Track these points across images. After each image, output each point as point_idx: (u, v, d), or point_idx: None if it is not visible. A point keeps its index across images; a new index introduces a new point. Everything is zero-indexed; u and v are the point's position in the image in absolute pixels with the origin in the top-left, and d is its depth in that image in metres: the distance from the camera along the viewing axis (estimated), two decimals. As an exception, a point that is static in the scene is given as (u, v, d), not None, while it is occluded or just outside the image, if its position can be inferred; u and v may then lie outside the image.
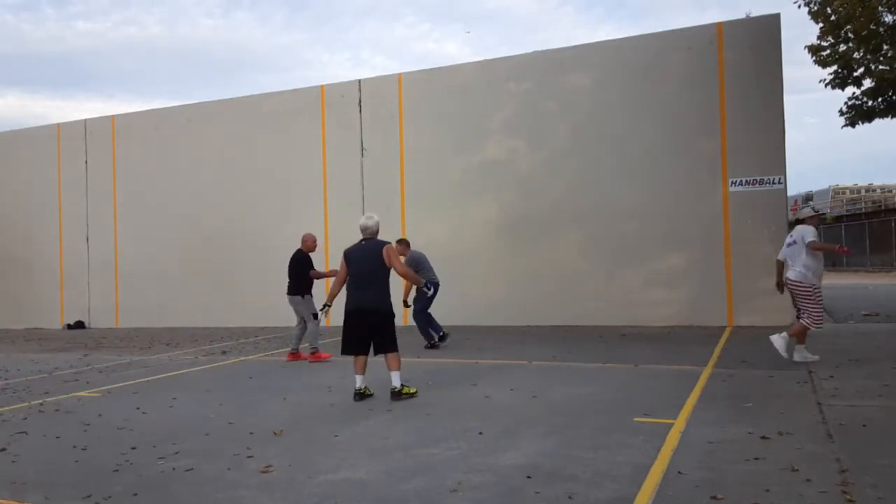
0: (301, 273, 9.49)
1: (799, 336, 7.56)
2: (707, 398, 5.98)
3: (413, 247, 10.29)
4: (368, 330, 6.36)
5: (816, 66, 12.72)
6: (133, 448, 4.99)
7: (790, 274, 7.54)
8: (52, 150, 17.65)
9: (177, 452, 4.84)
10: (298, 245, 9.86)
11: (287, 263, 9.73)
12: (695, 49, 12.14)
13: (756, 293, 11.62)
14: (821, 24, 12.19)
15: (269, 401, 6.62)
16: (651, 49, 12.48)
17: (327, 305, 6.95)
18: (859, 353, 8.08)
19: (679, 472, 3.99)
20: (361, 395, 6.41)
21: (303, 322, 9.57)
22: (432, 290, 9.47)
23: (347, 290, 6.50)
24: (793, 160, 52.51)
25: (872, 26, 11.48)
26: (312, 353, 9.25)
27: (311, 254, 9.77)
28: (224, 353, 10.73)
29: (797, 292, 7.53)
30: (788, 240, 7.76)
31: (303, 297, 9.47)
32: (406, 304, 10.11)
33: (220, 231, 15.81)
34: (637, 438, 4.75)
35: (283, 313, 15.26)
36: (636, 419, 5.30)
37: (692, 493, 3.65)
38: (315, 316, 9.39)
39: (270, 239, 15.06)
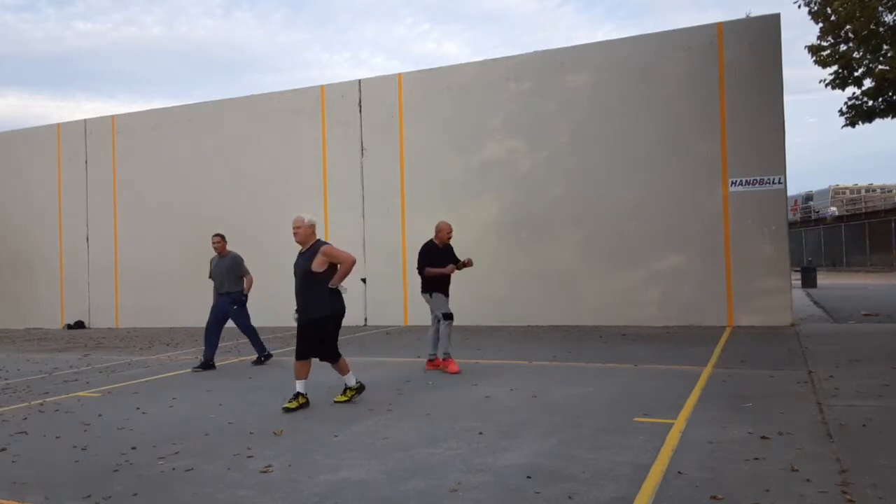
0: (420, 267, 8.23)
1: None
2: (707, 398, 5.98)
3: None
4: None
5: (816, 66, 12.72)
6: (133, 448, 4.99)
7: None
8: (52, 150, 17.64)
9: (177, 452, 4.84)
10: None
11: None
12: (695, 49, 12.14)
13: (756, 293, 11.63)
14: (821, 24, 12.19)
15: (269, 401, 6.62)
16: (651, 49, 12.48)
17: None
18: (859, 353, 8.08)
19: (679, 472, 3.99)
20: (362, 389, 6.45)
21: (437, 322, 8.15)
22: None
23: (332, 291, 6.28)
24: (793, 160, 52.47)
25: (872, 26, 11.48)
26: (443, 359, 7.93)
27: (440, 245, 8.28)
28: (224, 353, 10.73)
29: None
30: None
31: (430, 294, 8.18)
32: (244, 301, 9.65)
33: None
34: (637, 438, 4.75)
35: (283, 313, 15.29)
36: (636, 419, 5.30)
37: (692, 493, 3.65)
38: (447, 316, 8.06)
39: (270, 239, 15.05)
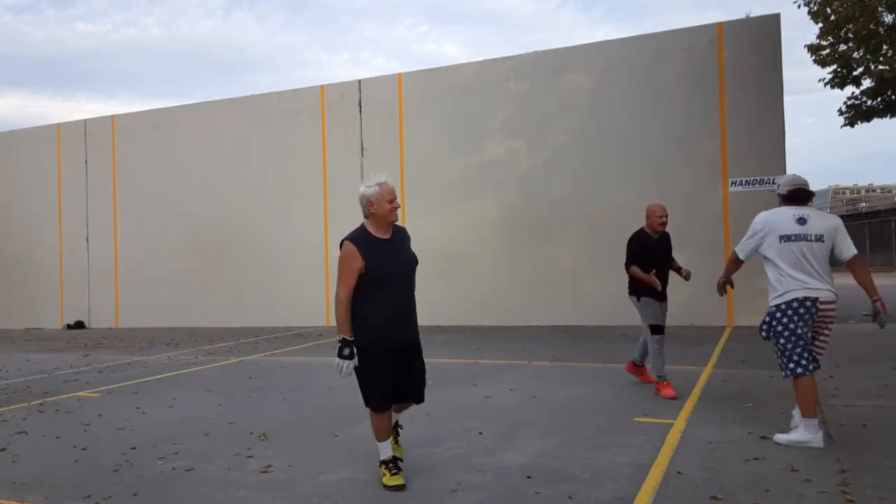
0: (627, 263, 6.49)
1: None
2: (707, 398, 5.98)
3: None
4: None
5: (816, 65, 12.74)
6: (133, 448, 4.99)
7: (825, 294, 4.56)
8: (52, 150, 17.64)
9: (177, 452, 4.84)
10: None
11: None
12: (695, 49, 12.14)
13: (756, 293, 11.59)
14: (820, 24, 12.20)
15: (269, 401, 6.62)
16: (651, 49, 12.48)
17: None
18: (859, 353, 8.08)
19: (679, 472, 3.99)
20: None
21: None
22: None
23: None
24: (793, 160, 52.40)
25: (872, 26, 11.49)
26: (658, 381, 6.30)
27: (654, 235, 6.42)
28: (224, 353, 10.73)
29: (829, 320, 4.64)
30: (805, 229, 4.53)
31: (637, 298, 6.45)
32: None
33: (220, 231, 15.81)
34: (637, 438, 4.75)
35: (283, 313, 15.34)
36: (636, 419, 5.30)
37: (692, 493, 3.65)
38: (654, 329, 6.35)
39: (270, 239, 15.06)
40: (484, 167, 13.57)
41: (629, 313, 12.19)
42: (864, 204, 46.31)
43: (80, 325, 17.02)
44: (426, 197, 13.94)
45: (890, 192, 54.98)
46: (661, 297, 6.39)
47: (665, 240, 6.50)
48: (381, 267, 3.90)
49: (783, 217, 4.59)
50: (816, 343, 4.63)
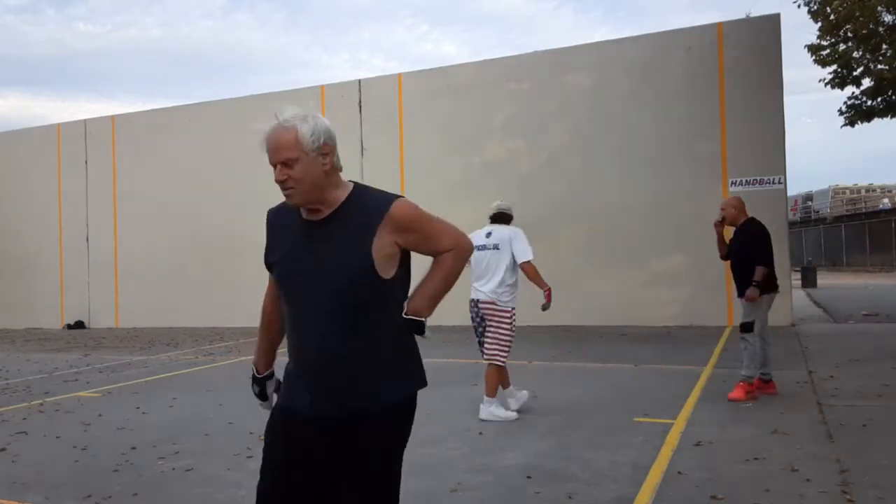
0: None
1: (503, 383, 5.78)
2: (707, 398, 5.98)
3: None
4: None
5: (816, 65, 12.73)
6: (133, 448, 4.99)
7: (482, 295, 5.71)
8: (52, 150, 17.64)
9: (177, 452, 4.84)
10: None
11: None
12: (695, 49, 12.14)
13: (756, 293, 11.62)
14: (820, 24, 12.19)
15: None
16: (651, 49, 12.48)
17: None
18: (859, 353, 8.08)
19: (679, 472, 3.99)
20: None
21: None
22: None
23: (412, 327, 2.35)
24: (793, 160, 52.12)
25: (871, 26, 11.48)
26: (744, 382, 5.98)
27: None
28: (224, 353, 10.73)
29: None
30: (488, 240, 5.89)
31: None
32: None
33: (220, 231, 15.80)
34: (637, 438, 4.75)
35: (283, 313, 15.29)
36: (636, 419, 5.31)
37: (692, 493, 3.65)
38: (747, 327, 6.17)
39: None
40: (484, 167, 13.56)
41: (629, 313, 12.28)
42: (886, 200, 44.88)
43: (80, 325, 17.02)
44: (426, 197, 13.83)
45: (890, 191, 54.86)
46: (740, 292, 6.18)
47: (741, 233, 6.09)
48: (283, 267, 2.15)
49: (478, 232, 5.88)
50: (486, 338, 5.78)
